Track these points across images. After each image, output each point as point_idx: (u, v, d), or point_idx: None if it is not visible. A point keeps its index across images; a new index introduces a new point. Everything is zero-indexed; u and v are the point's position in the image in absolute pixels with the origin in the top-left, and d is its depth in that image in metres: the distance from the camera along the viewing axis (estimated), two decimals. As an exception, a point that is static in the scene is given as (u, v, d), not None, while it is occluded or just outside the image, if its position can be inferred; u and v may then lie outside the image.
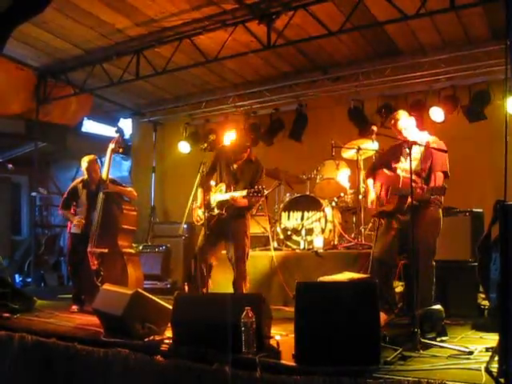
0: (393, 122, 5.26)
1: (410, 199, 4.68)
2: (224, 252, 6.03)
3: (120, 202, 6.49)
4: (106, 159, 6.59)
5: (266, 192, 5.58)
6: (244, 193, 5.51)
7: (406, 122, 5.18)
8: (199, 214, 5.88)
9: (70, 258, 6.80)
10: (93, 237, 6.31)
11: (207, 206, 5.74)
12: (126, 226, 6.44)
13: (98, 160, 6.99)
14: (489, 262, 4.62)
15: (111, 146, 6.61)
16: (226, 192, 5.80)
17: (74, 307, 6.36)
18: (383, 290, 4.96)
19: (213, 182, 5.95)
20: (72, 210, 6.74)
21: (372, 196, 5.36)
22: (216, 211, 5.79)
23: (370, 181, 5.50)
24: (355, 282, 4.69)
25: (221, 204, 5.80)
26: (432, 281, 4.93)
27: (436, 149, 4.93)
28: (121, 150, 6.88)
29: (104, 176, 6.50)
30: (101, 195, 6.39)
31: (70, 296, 6.73)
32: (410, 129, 5.17)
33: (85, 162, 6.70)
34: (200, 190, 5.92)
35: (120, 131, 6.88)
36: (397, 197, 5.05)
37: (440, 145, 5.06)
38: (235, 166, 6.00)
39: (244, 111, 10.16)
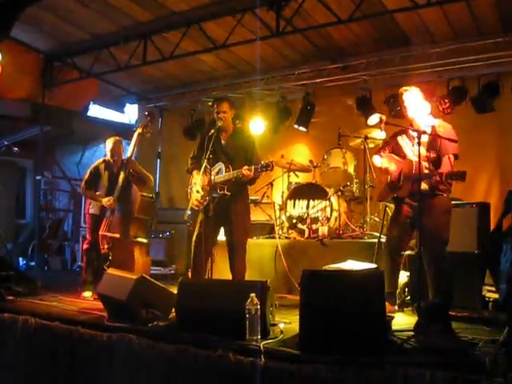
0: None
1: (422, 185, 4.63)
2: (224, 239, 5.84)
3: (138, 188, 6.32)
4: (132, 143, 6.37)
5: (274, 166, 5.24)
6: (252, 169, 5.23)
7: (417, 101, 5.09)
8: (198, 198, 5.52)
9: (90, 239, 6.40)
10: (107, 220, 6.16)
11: (210, 187, 5.45)
12: (140, 216, 6.34)
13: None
14: (499, 253, 4.60)
15: (139, 130, 6.40)
16: (226, 171, 5.47)
17: (87, 294, 6.13)
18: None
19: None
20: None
21: (392, 167, 5.17)
22: (219, 192, 5.45)
23: (377, 157, 5.39)
24: (361, 270, 4.67)
25: (223, 184, 5.45)
26: (447, 273, 4.85)
27: (445, 138, 4.85)
28: (148, 135, 6.56)
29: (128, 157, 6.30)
30: (122, 176, 6.17)
31: (72, 280, 6.64)
32: (420, 111, 5.09)
33: (110, 142, 6.49)
34: (195, 172, 5.63)
35: (150, 115, 6.63)
36: (409, 182, 4.98)
37: (446, 128, 5.00)
38: (223, 141, 5.70)
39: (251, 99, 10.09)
